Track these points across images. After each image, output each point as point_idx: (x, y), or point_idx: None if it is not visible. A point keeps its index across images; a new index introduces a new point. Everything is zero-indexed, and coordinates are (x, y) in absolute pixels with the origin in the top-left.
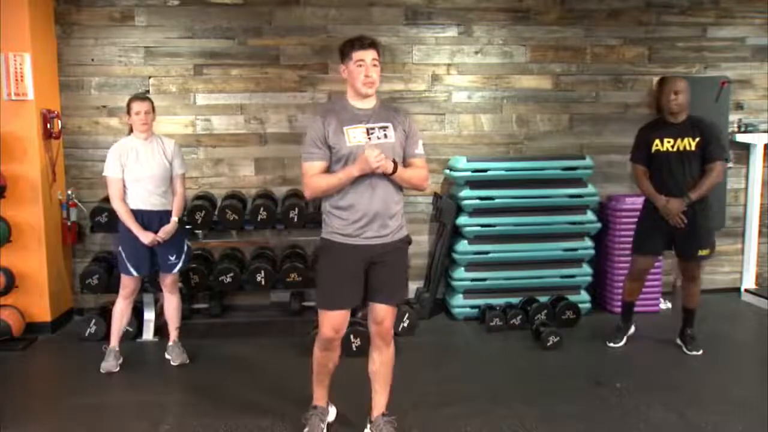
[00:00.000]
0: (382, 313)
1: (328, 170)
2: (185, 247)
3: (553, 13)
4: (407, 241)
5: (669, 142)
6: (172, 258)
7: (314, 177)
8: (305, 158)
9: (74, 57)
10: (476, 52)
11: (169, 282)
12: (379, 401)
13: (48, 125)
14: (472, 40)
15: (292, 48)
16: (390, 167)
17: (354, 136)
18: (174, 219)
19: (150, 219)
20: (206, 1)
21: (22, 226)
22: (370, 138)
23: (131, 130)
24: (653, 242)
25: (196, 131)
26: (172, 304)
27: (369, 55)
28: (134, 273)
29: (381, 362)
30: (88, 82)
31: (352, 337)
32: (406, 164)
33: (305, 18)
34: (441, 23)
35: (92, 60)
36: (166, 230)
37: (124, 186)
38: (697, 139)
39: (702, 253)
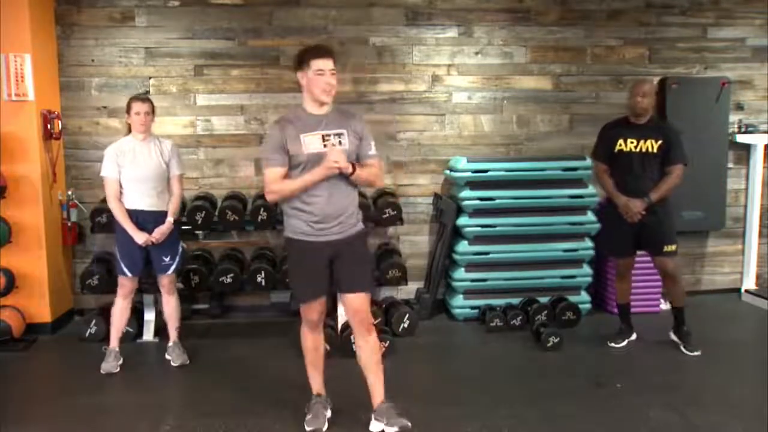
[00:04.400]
0: (358, 301)
1: (286, 176)
2: (180, 249)
3: (553, 13)
4: (365, 233)
5: (632, 142)
6: (166, 259)
7: (278, 182)
8: (267, 164)
9: (75, 57)
10: (476, 53)
11: (165, 283)
12: (378, 390)
13: (48, 126)
14: (472, 40)
15: (293, 48)
16: (350, 168)
17: (311, 143)
18: (169, 220)
19: (145, 219)
20: (206, 2)
21: (22, 226)
22: (326, 144)
23: (129, 130)
24: (621, 244)
25: (197, 132)
26: (170, 305)
27: (329, 64)
28: (128, 273)
29: (368, 349)
30: (88, 83)
31: (352, 338)
32: (361, 165)
33: (305, 18)
34: (441, 24)
35: (92, 60)
36: (161, 231)
37: (121, 186)
38: (660, 142)
39: (668, 249)
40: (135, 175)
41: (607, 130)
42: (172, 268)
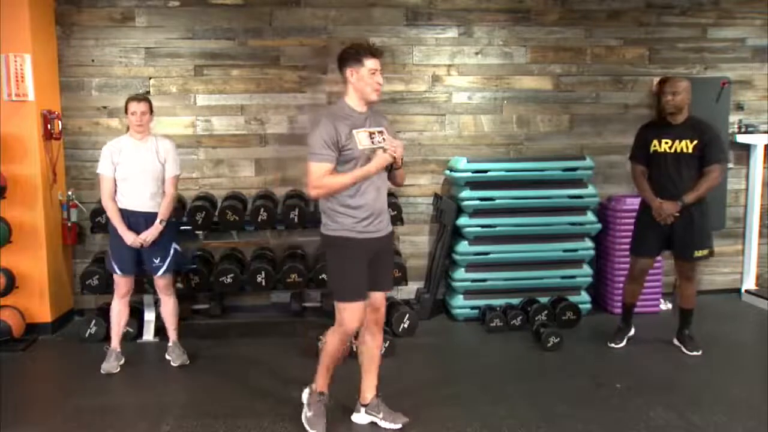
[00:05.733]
0: (381, 299)
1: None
2: (171, 251)
3: (553, 13)
4: (393, 233)
5: (667, 143)
6: (156, 261)
7: (327, 177)
8: (317, 159)
9: (75, 58)
10: (476, 53)
11: (161, 285)
12: (372, 385)
13: (48, 126)
14: (472, 41)
15: (293, 49)
16: (400, 160)
17: (362, 139)
18: (158, 221)
19: (136, 220)
20: (207, 2)
21: (22, 226)
22: (373, 141)
23: (129, 129)
24: (650, 244)
25: (197, 132)
26: (167, 306)
27: (378, 64)
28: (118, 271)
29: (375, 347)
30: (88, 83)
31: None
32: None
33: (305, 19)
34: (441, 24)
35: (93, 61)
36: (150, 233)
37: (116, 185)
38: (695, 142)
39: (699, 254)
40: (129, 174)
41: (643, 131)
42: (162, 270)
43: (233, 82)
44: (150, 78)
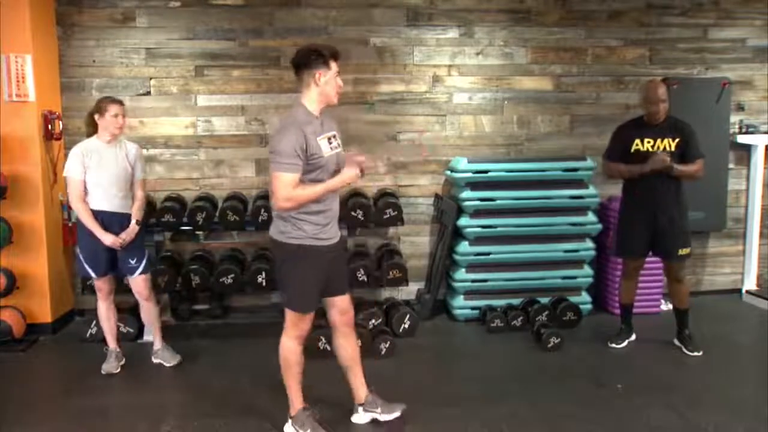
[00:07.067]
0: (346, 303)
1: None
2: (146, 252)
3: (553, 14)
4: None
5: (649, 142)
6: (133, 261)
7: (298, 189)
8: (285, 168)
9: (75, 58)
10: (477, 54)
11: (140, 289)
12: (362, 384)
13: (49, 126)
14: (473, 41)
15: (293, 49)
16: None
17: (324, 146)
18: (133, 222)
19: (110, 220)
20: (207, 3)
21: (23, 227)
22: (331, 146)
23: (94, 131)
24: (635, 244)
25: (197, 132)
26: (149, 311)
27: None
28: (92, 274)
29: (352, 347)
30: (89, 84)
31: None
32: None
33: (306, 19)
34: (442, 24)
35: (93, 61)
36: (128, 232)
37: (85, 188)
38: (677, 140)
39: (683, 252)
40: (100, 177)
41: (623, 130)
42: (139, 270)
43: (234, 82)
44: (151, 78)
